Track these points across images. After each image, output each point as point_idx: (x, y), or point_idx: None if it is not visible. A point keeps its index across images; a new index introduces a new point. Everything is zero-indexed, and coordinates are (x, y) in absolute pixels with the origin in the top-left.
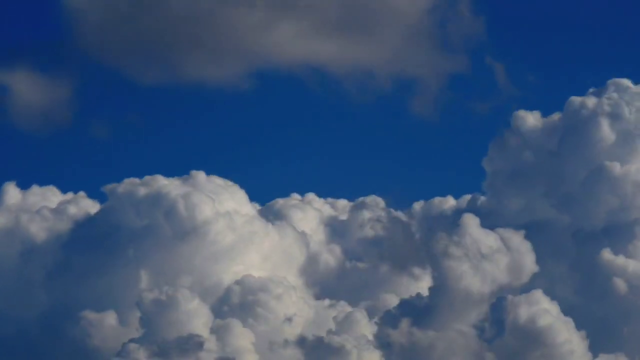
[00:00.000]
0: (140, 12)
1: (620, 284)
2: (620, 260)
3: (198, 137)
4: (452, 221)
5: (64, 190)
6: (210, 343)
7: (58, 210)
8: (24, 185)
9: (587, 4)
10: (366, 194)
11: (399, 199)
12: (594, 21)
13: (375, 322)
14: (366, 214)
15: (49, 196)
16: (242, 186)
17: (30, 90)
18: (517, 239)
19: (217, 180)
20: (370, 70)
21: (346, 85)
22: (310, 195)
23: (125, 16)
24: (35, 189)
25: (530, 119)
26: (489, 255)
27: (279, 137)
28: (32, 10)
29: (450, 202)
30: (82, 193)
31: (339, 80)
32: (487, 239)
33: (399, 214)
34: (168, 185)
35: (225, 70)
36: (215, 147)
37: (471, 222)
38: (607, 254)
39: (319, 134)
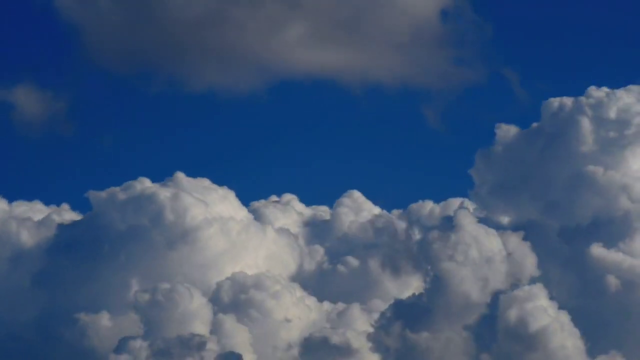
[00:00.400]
0: (139, 21)
1: (611, 279)
2: (612, 255)
3: (199, 142)
4: (446, 223)
5: (70, 197)
6: (211, 342)
7: (47, 219)
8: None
9: (601, 12)
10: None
11: (394, 202)
12: (607, 27)
13: (372, 324)
14: (356, 215)
15: (38, 208)
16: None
17: (34, 104)
18: (514, 239)
19: (204, 183)
20: (378, 78)
21: (353, 92)
22: (288, 196)
23: (124, 25)
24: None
25: (512, 130)
26: (485, 256)
27: (273, 142)
28: (32, 25)
29: (441, 206)
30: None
31: (345, 86)
32: (483, 239)
33: (392, 216)
34: (151, 188)
35: (229, 77)
36: (214, 153)
37: (466, 221)
38: (596, 249)
39: (318, 138)
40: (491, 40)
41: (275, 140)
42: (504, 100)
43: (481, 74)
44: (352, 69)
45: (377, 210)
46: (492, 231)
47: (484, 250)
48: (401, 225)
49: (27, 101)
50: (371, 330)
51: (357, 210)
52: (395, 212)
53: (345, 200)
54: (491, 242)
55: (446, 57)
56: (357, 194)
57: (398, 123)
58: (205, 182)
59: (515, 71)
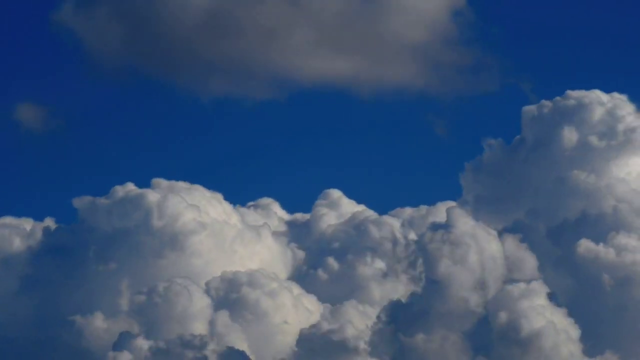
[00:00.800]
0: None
1: (602, 275)
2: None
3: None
4: (442, 224)
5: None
6: (211, 341)
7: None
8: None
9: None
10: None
11: (393, 204)
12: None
13: (368, 326)
14: (339, 216)
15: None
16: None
17: (33, 119)
18: (511, 241)
19: (183, 185)
20: (384, 82)
21: (362, 99)
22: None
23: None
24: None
25: (499, 144)
26: (481, 257)
27: (276, 146)
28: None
29: (433, 209)
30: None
31: (349, 92)
32: (479, 240)
33: (387, 218)
34: (135, 190)
35: (235, 86)
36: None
37: (461, 221)
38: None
39: (317, 143)
40: (503, 46)
41: (277, 144)
42: (515, 107)
43: (493, 81)
44: (359, 75)
45: (361, 207)
46: (493, 232)
47: (480, 252)
48: (394, 226)
49: (27, 116)
50: (367, 330)
51: (339, 209)
52: (389, 214)
53: (324, 201)
54: (490, 244)
55: (456, 62)
56: (338, 193)
57: (402, 128)
58: (192, 185)
59: (528, 79)
